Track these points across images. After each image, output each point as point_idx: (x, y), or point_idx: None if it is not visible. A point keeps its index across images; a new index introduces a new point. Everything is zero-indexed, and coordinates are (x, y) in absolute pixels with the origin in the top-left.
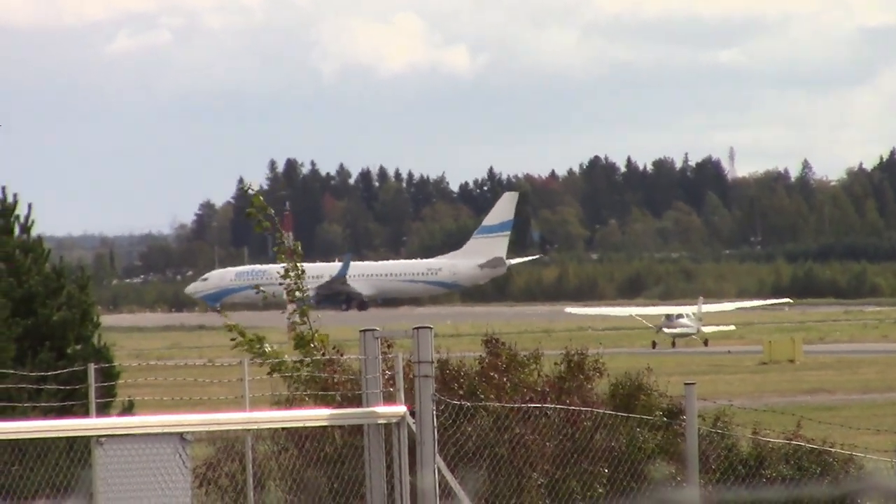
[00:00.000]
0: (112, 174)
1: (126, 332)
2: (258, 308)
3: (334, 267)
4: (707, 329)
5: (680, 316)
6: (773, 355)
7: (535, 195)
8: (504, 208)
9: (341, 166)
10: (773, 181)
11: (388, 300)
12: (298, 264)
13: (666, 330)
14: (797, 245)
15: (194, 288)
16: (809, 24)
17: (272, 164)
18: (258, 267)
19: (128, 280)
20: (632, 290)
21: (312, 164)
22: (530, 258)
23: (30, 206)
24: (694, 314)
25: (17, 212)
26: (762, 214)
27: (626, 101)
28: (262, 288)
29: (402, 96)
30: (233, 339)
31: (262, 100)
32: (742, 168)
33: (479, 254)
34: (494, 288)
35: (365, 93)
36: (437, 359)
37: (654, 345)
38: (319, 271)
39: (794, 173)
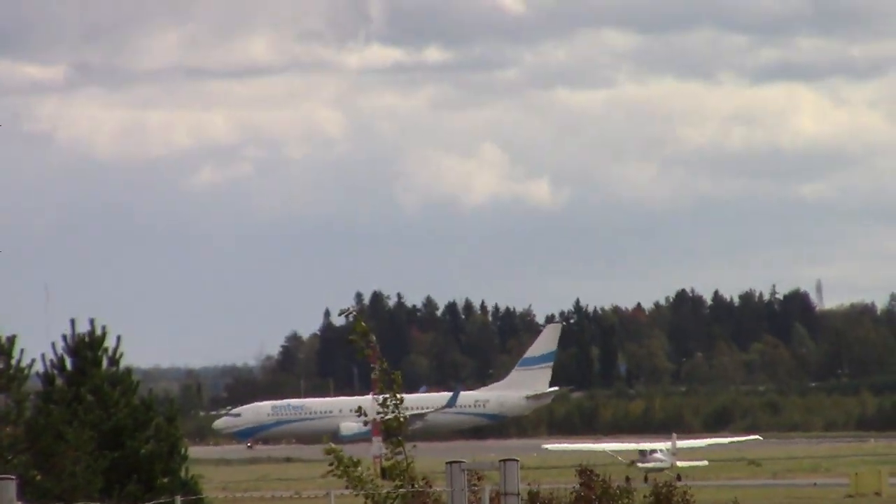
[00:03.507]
0: (198, 306)
1: (213, 464)
2: (291, 441)
3: (421, 398)
4: (681, 464)
5: (654, 451)
6: (860, 488)
7: (621, 327)
8: (547, 340)
9: (428, 298)
10: (860, 314)
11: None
12: (397, 394)
13: (640, 465)
14: (883, 377)
15: (225, 423)
16: (894, 156)
17: (359, 297)
18: (295, 401)
19: (213, 412)
20: (718, 423)
21: (399, 296)
22: (569, 388)
23: (118, 338)
24: (667, 449)
25: (105, 344)
26: (849, 347)
27: (711, 233)
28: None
29: (486, 229)
30: (331, 465)
31: (346, 231)
32: (829, 300)
33: (522, 385)
34: (582, 421)
35: (449, 225)
36: (528, 490)
37: (627, 480)
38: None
39: (881, 306)
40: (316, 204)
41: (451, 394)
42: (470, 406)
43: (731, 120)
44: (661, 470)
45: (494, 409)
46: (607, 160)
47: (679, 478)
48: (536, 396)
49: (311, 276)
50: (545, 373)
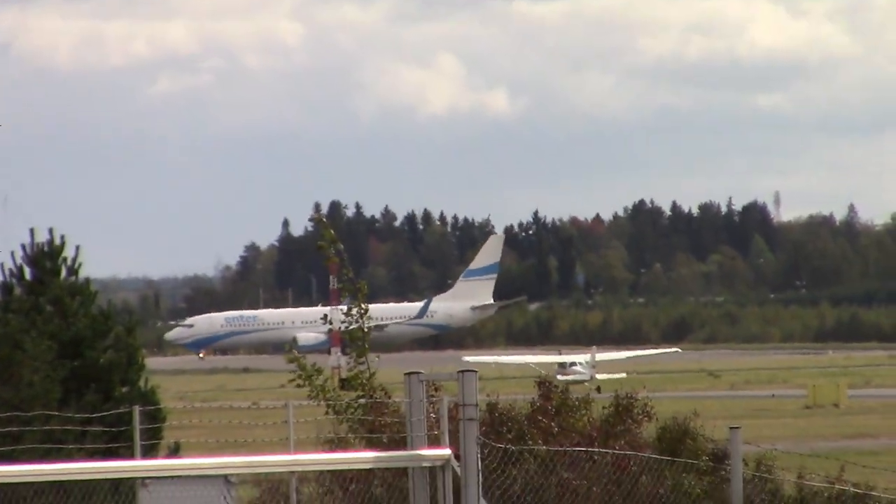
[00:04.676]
0: (156, 216)
1: (171, 374)
2: (250, 352)
3: (382, 308)
4: (600, 376)
5: (573, 364)
6: (818, 399)
7: (579, 239)
8: (490, 251)
9: (386, 209)
10: (819, 225)
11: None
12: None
13: (560, 377)
14: (842, 289)
15: (178, 334)
16: (852, 68)
17: (317, 207)
18: (247, 313)
19: (172, 322)
20: (676, 335)
21: (357, 206)
22: (515, 301)
23: (77, 248)
24: (587, 362)
25: (64, 254)
26: (807, 259)
27: (669, 144)
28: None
29: (444, 139)
30: (293, 373)
31: (304, 141)
32: (787, 212)
33: (468, 296)
34: (540, 332)
35: (406, 135)
36: (487, 402)
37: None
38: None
39: (840, 217)
40: (274, 114)
41: (414, 304)
42: (419, 316)
43: (690, 30)
44: (580, 382)
45: (442, 320)
46: (566, 71)
47: (599, 389)
48: (482, 307)
49: (270, 187)
50: (489, 284)
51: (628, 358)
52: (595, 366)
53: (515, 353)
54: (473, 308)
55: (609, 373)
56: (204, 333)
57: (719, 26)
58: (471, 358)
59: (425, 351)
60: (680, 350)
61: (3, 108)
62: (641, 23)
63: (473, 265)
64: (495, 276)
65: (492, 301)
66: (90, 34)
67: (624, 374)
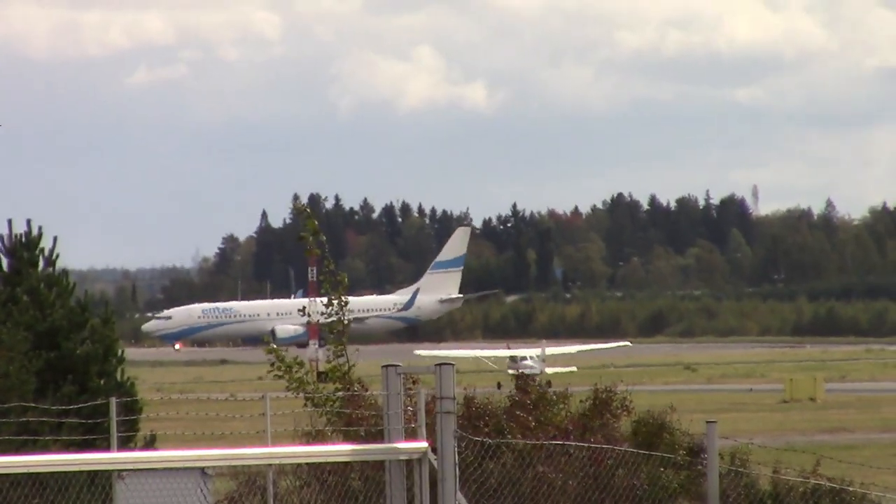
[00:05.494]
0: (134, 207)
1: (148, 366)
2: (227, 344)
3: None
4: (550, 370)
5: (524, 358)
6: (795, 394)
7: (558, 232)
8: (457, 244)
9: (365, 201)
10: (797, 219)
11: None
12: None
13: (510, 371)
14: (819, 283)
15: (155, 326)
16: (830, 62)
17: (295, 199)
18: (223, 304)
19: (149, 314)
20: (654, 328)
21: (336, 198)
22: (484, 293)
23: (55, 238)
24: (537, 356)
25: (41, 245)
26: (785, 252)
27: (647, 138)
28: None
29: (422, 132)
30: (272, 364)
31: (282, 133)
32: (765, 206)
33: (435, 289)
34: (517, 324)
35: (384, 128)
36: (464, 395)
37: (499, 385)
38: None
39: (817, 211)
40: (252, 106)
41: (390, 297)
42: (389, 309)
43: (668, 24)
44: (531, 376)
45: (412, 313)
46: (544, 63)
47: (549, 384)
48: (449, 300)
49: (248, 178)
50: (455, 277)
51: (579, 352)
52: (545, 359)
53: (490, 346)
54: (441, 301)
55: (560, 366)
56: (182, 325)
57: (697, 20)
58: (423, 352)
59: (402, 343)
60: (630, 343)
61: None
62: (619, 16)
63: (440, 257)
64: (461, 268)
65: (458, 294)
66: (67, 23)
67: (574, 368)
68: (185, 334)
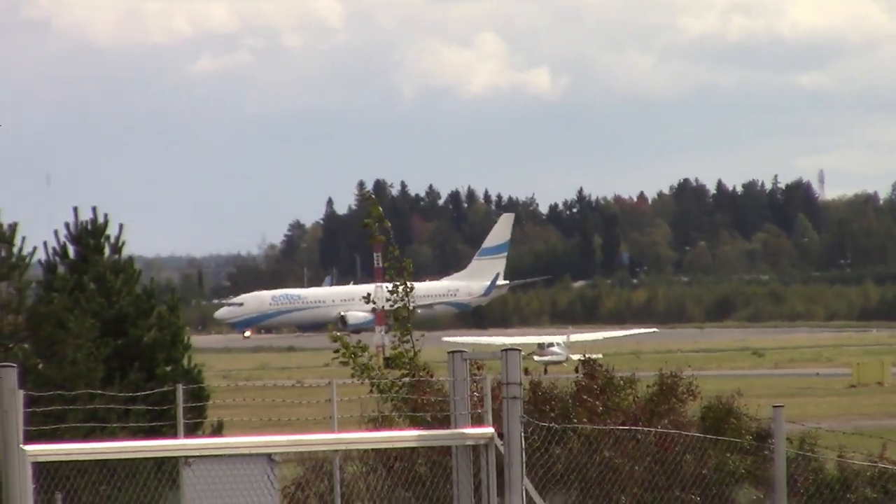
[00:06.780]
0: (201, 195)
1: (215, 353)
2: (294, 330)
3: (430, 286)
4: (575, 357)
5: (551, 345)
6: (862, 378)
7: (624, 217)
8: (501, 230)
9: (430, 188)
10: (863, 204)
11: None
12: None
13: (537, 358)
14: (886, 267)
15: (227, 312)
16: (894, 46)
17: (361, 185)
18: (292, 291)
19: (216, 301)
20: (721, 313)
21: (402, 185)
22: (529, 280)
23: (121, 226)
24: (564, 343)
25: (107, 232)
26: (851, 237)
27: (713, 123)
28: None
29: (487, 118)
30: (336, 352)
31: (346, 121)
32: (831, 191)
33: (482, 275)
34: (584, 310)
35: (449, 115)
36: (530, 381)
37: (526, 371)
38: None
39: (883, 196)
40: (316, 93)
41: (447, 283)
42: (442, 295)
43: (731, 9)
44: (557, 363)
45: (464, 298)
46: (607, 49)
47: (577, 369)
48: (497, 287)
49: (313, 165)
50: (500, 263)
51: (605, 338)
52: (570, 346)
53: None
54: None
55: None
56: (253, 312)
57: (760, 5)
58: (450, 338)
59: (469, 329)
60: (657, 330)
61: (43, 85)
62: (682, 1)
63: (486, 244)
64: (506, 255)
65: (504, 280)
66: (131, 11)
67: (601, 355)
68: (256, 321)
